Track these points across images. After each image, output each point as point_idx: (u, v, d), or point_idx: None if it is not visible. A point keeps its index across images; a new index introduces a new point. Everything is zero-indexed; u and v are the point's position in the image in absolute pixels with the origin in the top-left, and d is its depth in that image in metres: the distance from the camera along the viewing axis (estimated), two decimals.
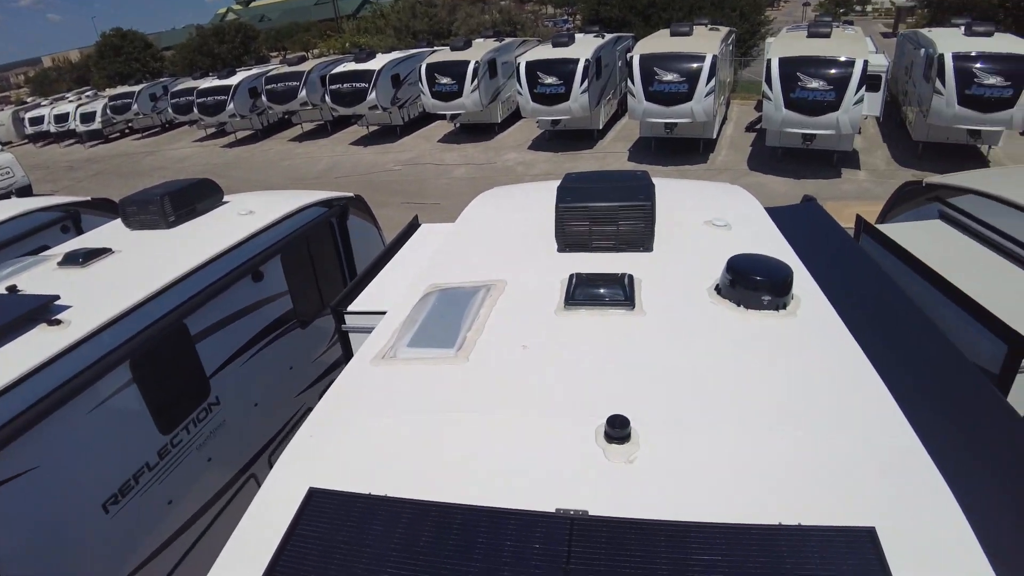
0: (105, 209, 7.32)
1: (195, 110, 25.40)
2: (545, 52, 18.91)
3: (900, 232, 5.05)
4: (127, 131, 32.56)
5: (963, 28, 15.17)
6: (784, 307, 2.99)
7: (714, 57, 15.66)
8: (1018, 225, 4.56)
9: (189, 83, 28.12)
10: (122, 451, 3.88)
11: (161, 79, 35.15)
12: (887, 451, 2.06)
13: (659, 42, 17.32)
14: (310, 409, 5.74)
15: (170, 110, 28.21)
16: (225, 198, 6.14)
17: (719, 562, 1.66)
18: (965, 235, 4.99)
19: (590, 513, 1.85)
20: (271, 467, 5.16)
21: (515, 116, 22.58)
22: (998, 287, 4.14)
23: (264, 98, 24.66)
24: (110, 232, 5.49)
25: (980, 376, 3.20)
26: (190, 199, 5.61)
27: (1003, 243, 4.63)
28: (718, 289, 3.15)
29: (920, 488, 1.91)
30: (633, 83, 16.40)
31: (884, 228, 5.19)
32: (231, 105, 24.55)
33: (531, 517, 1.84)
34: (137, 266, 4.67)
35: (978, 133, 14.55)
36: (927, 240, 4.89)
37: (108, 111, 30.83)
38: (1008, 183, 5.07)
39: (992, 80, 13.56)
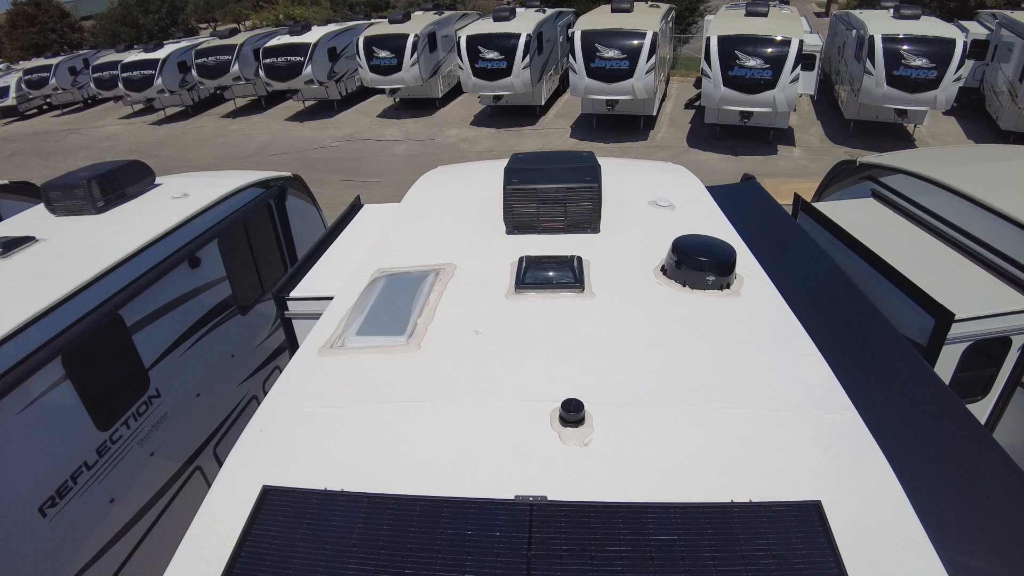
0: (25, 193, 6.89)
1: (120, 85, 24.10)
2: (486, 26, 18.73)
3: (835, 210, 5.24)
4: (45, 107, 30.64)
5: (892, 11, 15.74)
6: (728, 287, 3.07)
7: (654, 34, 15.81)
8: (944, 204, 4.80)
9: (112, 56, 26.61)
10: (58, 451, 3.70)
11: (81, 51, 33.17)
12: (829, 426, 2.15)
13: (600, 18, 17.38)
14: (255, 398, 5.67)
15: (92, 85, 26.66)
16: (157, 180, 5.87)
17: (676, 541, 1.71)
18: (896, 213, 5.22)
19: (549, 498, 1.88)
20: (217, 459, 5.06)
21: (456, 91, 22.31)
22: (926, 264, 4.36)
23: (194, 72, 23.61)
24: (32, 219, 5.18)
25: (910, 348, 3.37)
26: (119, 182, 5.34)
27: (930, 221, 4.87)
28: (664, 270, 3.21)
29: (861, 461, 2.00)
30: (575, 59, 16.44)
31: (820, 206, 5.38)
32: (159, 80, 23.40)
33: (491, 505, 1.85)
34: (65, 255, 4.42)
35: (905, 112, 15.19)
36: (860, 218, 5.10)
37: (23, 86, 28.88)
38: (935, 164, 5.32)
39: (918, 62, 14.15)
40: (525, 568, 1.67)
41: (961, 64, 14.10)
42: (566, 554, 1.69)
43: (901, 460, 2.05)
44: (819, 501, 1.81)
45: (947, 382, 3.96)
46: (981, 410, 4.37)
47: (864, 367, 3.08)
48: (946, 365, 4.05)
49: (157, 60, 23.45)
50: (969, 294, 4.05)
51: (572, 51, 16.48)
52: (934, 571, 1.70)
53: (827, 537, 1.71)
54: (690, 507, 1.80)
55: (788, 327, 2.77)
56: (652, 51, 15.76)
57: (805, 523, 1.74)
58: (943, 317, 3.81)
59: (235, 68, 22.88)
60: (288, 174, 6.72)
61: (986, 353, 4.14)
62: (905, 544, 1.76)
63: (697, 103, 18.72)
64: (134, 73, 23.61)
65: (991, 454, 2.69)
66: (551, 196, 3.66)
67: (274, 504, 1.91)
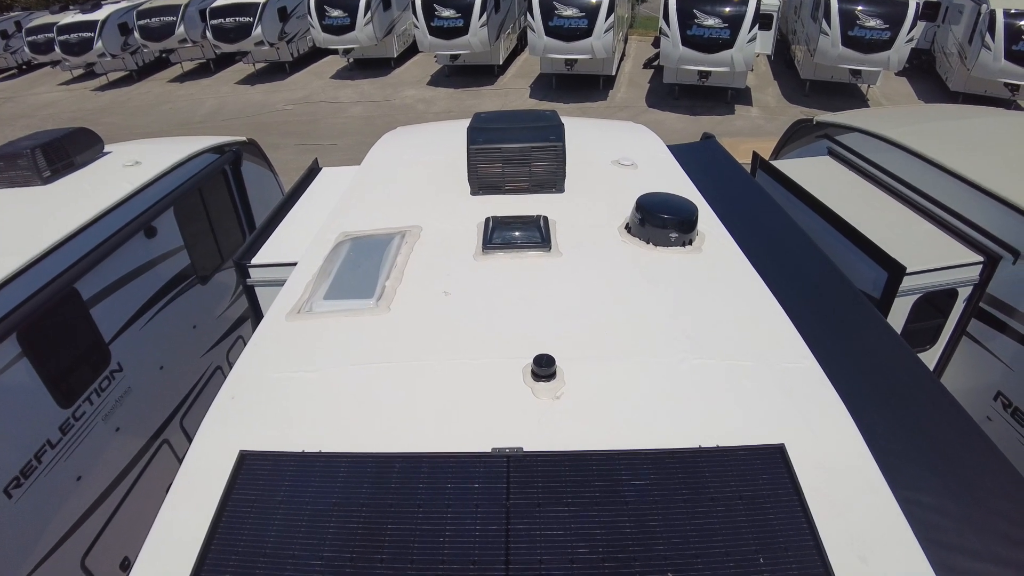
0: None
1: (57, 49, 22.83)
2: None
3: (792, 168, 5.34)
4: None
5: None
6: (690, 243, 3.13)
7: None
8: (896, 161, 4.93)
9: (47, 18, 25.14)
10: (19, 431, 3.60)
11: (12, 14, 31.33)
12: (790, 374, 2.24)
13: None
14: (219, 368, 5.59)
15: (27, 49, 25.16)
16: (106, 148, 5.65)
17: (647, 485, 1.78)
18: (850, 170, 5.35)
19: (525, 449, 1.92)
20: (184, 431, 5.00)
21: (412, 50, 21.84)
22: (879, 219, 4.49)
23: (137, 35, 22.52)
24: None
25: (865, 300, 3.50)
26: (66, 151, 5.11)
27: (883, 178, 5.01)
28: (628, 228, 3.25)
29: (820, 406, 2.10)
30: (533, 18, 16.21)
31: (778, 164, 5.47)
32: (99, 43, 22.20)
33: (469, 459, 1.89)
34: (12, 229, 4.24)
35: (859, 73, 15.42)
36: (817, 175, 5.21)
37: None
38: (887, 123, 5.45)
39: (872, 23, 14.34)
40: (504, 517, 1.72)
41: (913, 25, 14.33)
42: (544, 502, 1.75)
43: (857, 405, 2.15)
44: (783, 444, 1.89)
45: (899, 332, 4.14)
46: (930, 358, 4.58)
47: (821, 319, 3.19)
48: (898, 316, 4.21)
49: (96, 22, 22.21)
50: (919, 248, 4.20)
51: (530, 9, 16.24)
52: (887, 505, 1.81)
53: (791, 478, 1.79)
54: (660, 453, 1.87)
55: (748, 281, 2.85)
56: (611, 10, 15.62)
57: (770, 465, 1.83)
58: (895, 270, 3.96)
59: (180, 30, 21.89)
60: (243, 139, 6.54)
61: (934, 305, 4.32)
62: (862, 482, 1.87)
63: (656, 63, 18.67)
64: (72, 36, 22.32)
65: (939, 398, 2.83)
66: (516, 156, 3.65)
67: (252, 469, 1.92)
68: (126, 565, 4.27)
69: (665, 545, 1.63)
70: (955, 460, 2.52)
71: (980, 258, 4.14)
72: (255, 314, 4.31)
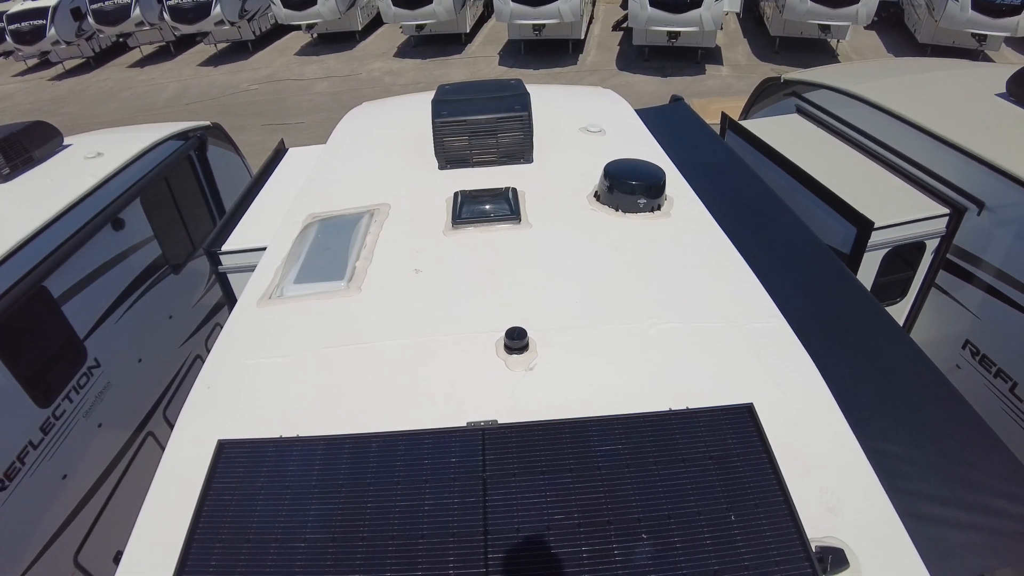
0: None
1: (8, 39, 22.01)
2: None
3: (761, 127, 5.35)
4: None
5: None
6: (659, 208, 3.15)
7: None
8: (863, 117, 4.96)
9: None
10: None
11: None
12: (759, 334, 2.28)
13: None
14: (199, 357, 5.55)
15: None
16: (65, 141, 5.51)
17: (620, 449, 1.81)
18: (818, 127, 5.38)
19: (499, 422, 1.95)
20: (168, 422, 4.98)
21: (377, 22, 21.37)
22: (847, 175, 4.53)
23: (91, 19, 21.73)
24: None
25: (834, 257, 3.54)
26: (23, 146, 4.97)
27: (851, 134, 5.04)
28: (597, 196, 3.26)
29: (789, 365, 2.14)
30: None
31: (747, 124, 5.48)
32: (52, 30, 21.39)
33: (444, 434, 1.91)
34: None
35: (828, 28, 15.37)
36: (785, 133, 5.23)
37: None
38: (854, 78, 5.47)
39: None
40: (481, 489, 1.75)
41: None
42: (519, 472, 1.78)
43: (826, 362, 2.19)
44: (751, 404, 1.93)
45: (869, 287, 4.20)
46: (900, 311, 4.66)
47: (791, 277, 3.24)
48: (868, 271, 4.28)
49: (47, 8, 21.31)
50: (887, 203, 4.24)
51: None
52: (855, 458, 1.86)
53: (760, 436, 1.84)
54: (631, 418, 1.91)
55: (717, 243, 2.88)
56: None
57: (739, 425, 1.87)
58: (864, 226, 4.01)
59: (136, 12, 21.17)
60: (207, 123, 6.42)
61: (903, 258, 4.39)
62: (830, 436, 1.92)
63: (624, 25, 18.48)
64: (23, 24, 21.42)
65: (907, 351, 2.90)
66: (482, 128, 3.63)
67: (231, 457, 1.93)
68: (119, 559, 4.28)
69: (638, 507, 1.67)
70: (921, 411, 2.59)
71: (946, 210, 4.20)
72: (230, 301, 4.28)
